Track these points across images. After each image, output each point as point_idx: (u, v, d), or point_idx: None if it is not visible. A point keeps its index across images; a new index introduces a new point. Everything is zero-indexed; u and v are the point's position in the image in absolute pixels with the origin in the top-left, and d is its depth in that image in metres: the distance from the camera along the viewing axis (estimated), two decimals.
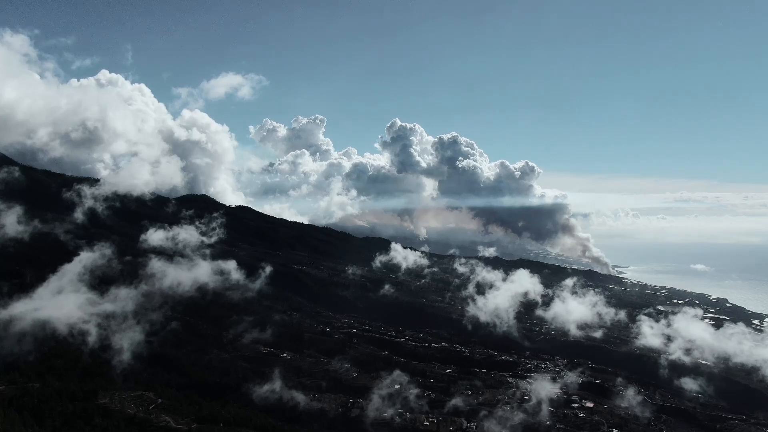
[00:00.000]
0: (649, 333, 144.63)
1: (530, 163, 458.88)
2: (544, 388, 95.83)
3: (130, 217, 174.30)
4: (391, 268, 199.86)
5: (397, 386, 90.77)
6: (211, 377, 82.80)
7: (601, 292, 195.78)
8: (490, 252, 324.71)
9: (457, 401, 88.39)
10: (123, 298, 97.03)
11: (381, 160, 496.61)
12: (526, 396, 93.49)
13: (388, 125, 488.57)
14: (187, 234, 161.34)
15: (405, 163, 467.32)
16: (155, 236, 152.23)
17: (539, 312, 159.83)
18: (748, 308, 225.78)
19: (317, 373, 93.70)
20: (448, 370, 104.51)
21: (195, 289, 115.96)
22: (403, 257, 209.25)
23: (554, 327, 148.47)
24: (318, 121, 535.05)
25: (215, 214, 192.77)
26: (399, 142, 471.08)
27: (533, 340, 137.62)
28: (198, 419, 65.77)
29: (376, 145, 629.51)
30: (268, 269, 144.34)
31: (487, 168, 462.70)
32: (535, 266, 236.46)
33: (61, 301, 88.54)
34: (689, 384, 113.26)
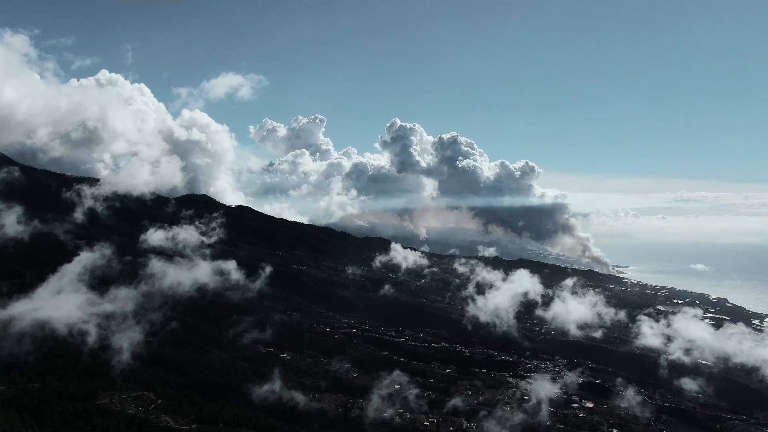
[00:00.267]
0: (649, 333, 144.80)
1: (530, 163, 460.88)
2: (544, 388, 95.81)
3: (130, 217, 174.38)
4: (391, 268, 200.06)
5: (397, 386, 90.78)
6: (211, 377, 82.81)
7: (601, 292, 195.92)
8: (490, 252, 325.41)
9: (456, 401, 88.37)
10: (123, 298, 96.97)
11: (381, 159, 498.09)
12: (526, 396, 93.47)
13: (388, 125, 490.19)
14: (187, 234, 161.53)
15: (405, 162, 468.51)
16: (155, 236, 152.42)
17: (539, 312, 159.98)
18: (748, 308, 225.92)
19: (317, 373, 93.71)
20: (448, 370, 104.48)
21: (195, 289, 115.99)
22: (403, 257, 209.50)
23: (554, 327, 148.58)
24: (318, 120, 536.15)
25: (215, 214, 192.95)
26: (399, 141, 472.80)
27: (533, 340, 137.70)
28: (198, 419, 65.77)
29: (376, 145, 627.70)
30: (268, 269, 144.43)
31: (487, 168, 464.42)
32: (535, 266, 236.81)
33: (60, 302, 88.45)
34: (689, 384, 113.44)
